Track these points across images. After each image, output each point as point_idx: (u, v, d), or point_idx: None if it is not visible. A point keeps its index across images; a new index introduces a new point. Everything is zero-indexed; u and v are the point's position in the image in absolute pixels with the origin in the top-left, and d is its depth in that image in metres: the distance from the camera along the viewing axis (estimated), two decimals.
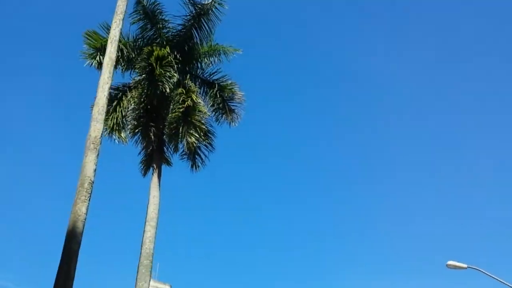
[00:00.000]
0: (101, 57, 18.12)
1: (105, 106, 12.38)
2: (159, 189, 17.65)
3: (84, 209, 10.84)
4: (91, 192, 11.21)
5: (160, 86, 17.75)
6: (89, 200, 11.11)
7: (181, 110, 17.80)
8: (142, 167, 19.14)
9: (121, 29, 14.10)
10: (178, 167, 20.00)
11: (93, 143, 11.68)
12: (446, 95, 76.73)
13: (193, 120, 18.17)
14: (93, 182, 11.32)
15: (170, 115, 17.99)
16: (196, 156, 19.67)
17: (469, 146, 75.98)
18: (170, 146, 18.98)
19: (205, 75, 20.79)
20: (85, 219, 10.80)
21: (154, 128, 18.36)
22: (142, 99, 18.27)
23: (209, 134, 19.72)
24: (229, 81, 20.26)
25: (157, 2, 19.47)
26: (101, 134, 11.99)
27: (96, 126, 11.96)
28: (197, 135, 18.14)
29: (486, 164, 75.24)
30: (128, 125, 18.60)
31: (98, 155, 11.72)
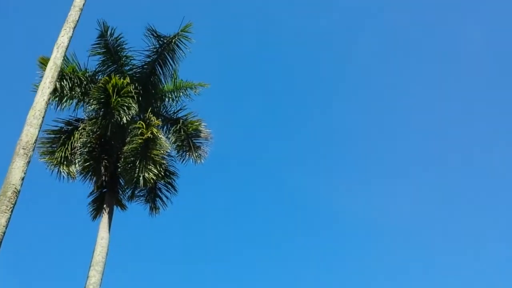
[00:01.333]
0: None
1: (43, 112, 10.67)
2: (109, 231, 15.50)
3: (3, 221, 8.82)
4: (15, 202, 9.22)
5: (116, 116, 16.02)
6: (12, 211, 9.10)
7: (140, 142, 16.00)
8: (92, 209, 17.03)
9: (70, 39, 12.58)
10: (135, 211, 17.92)
11: (23, 148, 9.87)
12: None
13: (152, 155, 16.34)
14: (18, 192, 9.37)
15: (126, 146, 16.12)
16: (156, 198, 17.74)
17: None
18: (124, 186, 16.98)
19: (169, 113, 19.27)
20: (4, 233, 8.77)
21: (106, 162, 16.42)
22: (95, 130, 16.43)
23: (170, 174, 17.92)
24: (195, 118, 18.72)
25: (120, 37, 18.14)
26: (35, 140, 10.19)
27: (30, 131, 10.18)
28: (156, 171, 16.25)
29: None
30: (78, 160, 16.61)
31: (28, 162, 9.84)
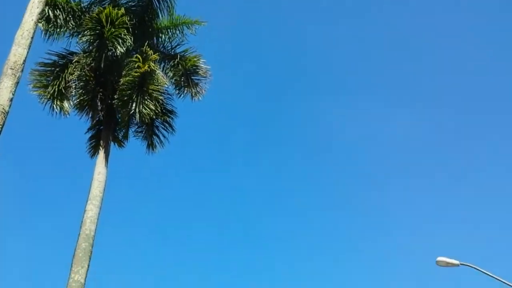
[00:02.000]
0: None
1: (32, 31, 10.03)
2: (106, 167, 15.05)
3: None
4: (3, 124, 8.72)
5: (111, 47, 15.32)
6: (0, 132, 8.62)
7: (136, 75, 15.34)
8: (89, 146, 16.57)
9: None
10: (134, 149, 17.48)
11: (11, 69, 9.31)
12: None
13: (150, 90, 15.73)
14: (7, 113, 8.87)
15: (122, 79, 15.46)
16: (154, 136, 17.25)
17: None
18: (121, 122, 16.43)
19: (166, 49, 18.52)
20: None
21: (102, 95, 15.84)
22: (89, 63, 15.76)
23: (168, 112, 17.37)
24: (193, 54, 18.01)
25: None
26: (23, 61, 9.59)
27: (18, 51, 9.59)
28: (152, 107, 15.66)
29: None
30: (73, 94, 16.02)
31: (17, 83, 9.28)
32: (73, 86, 15.82)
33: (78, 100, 15.91)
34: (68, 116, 16.08)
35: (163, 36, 18.60)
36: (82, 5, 17.24)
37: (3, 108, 8.72)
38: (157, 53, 17.46)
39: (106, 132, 15.95)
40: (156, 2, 18.20)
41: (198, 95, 17.55)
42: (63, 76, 15.75)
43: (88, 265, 12.54)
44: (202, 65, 17.81)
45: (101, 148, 15.44)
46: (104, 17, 15.24)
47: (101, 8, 15.84)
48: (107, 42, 15.20)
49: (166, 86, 16.89)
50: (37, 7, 10.40)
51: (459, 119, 48.73)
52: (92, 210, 13.57)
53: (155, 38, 18.63)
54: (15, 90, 9.12)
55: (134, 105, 15.32)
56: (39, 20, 10.89)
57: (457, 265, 17.55)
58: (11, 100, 8.98)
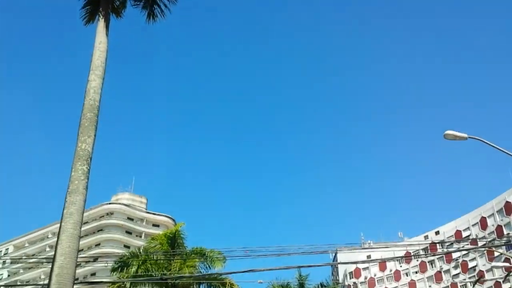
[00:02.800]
0: None
1: None
2: (107, 36, 14.40)
3: None
4: None
5: None
6: None
7: None
8: (85, 13, 15.77)
9: None
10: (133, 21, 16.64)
11: None
12: None
13: None
14: None
15: None
16: (154, 5, 16.40)
17: None
18: None
19: None
20: None
21: None
22: None
23: None
24: None
25: None
26: None
27: None
28: None
29: None
30: None
31: None
32: None
33: None
34: None
35: None
36: None
37: None
38: None
39: (104, 2, 15.10)
40: None
41: None
42: None
43: (95, 135, 12.37)
44: None
45: (100, 16, 14.70)
46: None
47: None
48: None
49: None
50: None
51: None
52: (95, 80, 13.15)
53: None
54: None
55: None
56: None
57: (465, 138, 17.55)
58: None
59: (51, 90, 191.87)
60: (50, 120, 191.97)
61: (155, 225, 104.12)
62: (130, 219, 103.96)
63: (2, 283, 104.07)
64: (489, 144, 17.09)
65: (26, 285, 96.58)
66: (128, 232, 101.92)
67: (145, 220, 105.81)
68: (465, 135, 17.35)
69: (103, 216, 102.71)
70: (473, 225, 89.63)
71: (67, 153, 12.24)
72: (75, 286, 10.60)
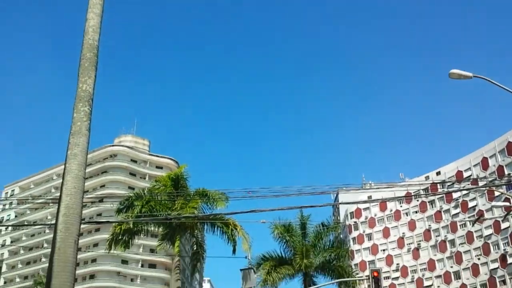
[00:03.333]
0: None
1: None
2: None
3: None
4: None
5: None
6: None
7: None
8: None
9: None
10: None
11: None
12: None
13: None
14: None
15: None
16: None
17: None
18: None
19: None
20: None
21: None
22: None
23: None
24: None
25: None
26: None
27: None
28: None
29: None
30: None
31: None
32: None
33: None
34: None
35: None
36: None
37: None
38: None
39: None
40: None
41: None
42: None
43: (95, 76, 12.17)
44: None
45: None
46: None
47: None
48: None
49: None
50: None
51: None
52: (93, 19, 12.77)
53: None
54: None
55: None
56: None
57: (470, 77, 17.32)
58: None
59: (51, 31, 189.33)
60: (51, 61, 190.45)
61: (159, 167, 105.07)
62: (134, 161, 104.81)
63: (10, 223, 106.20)
64: (494, 83, 16.88)
65: (34, 225, 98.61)
66: (132, 174, 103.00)
67: (148, 162, 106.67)
68: (470, 74, 17.10)
69: (106, 158, 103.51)
70: (474, 166, 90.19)
71: (70, 94, 12.07)
72: (81, 226, 10.71)
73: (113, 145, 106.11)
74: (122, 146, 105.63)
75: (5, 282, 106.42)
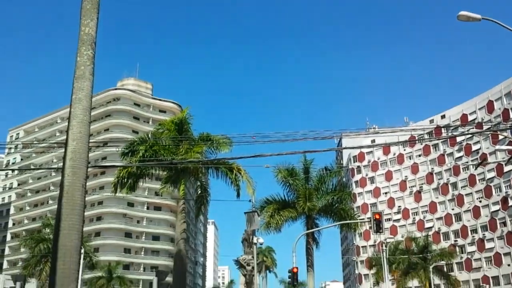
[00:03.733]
0: None
1: None
2: None
3: None
4: None
5: None
6: None
7: None
8: None
9: None
10: None
11: None
12: None
13: None
14: None
15: None
16: None
17: None
18: None
19: None
20: None
21: None
22: None
23: None
24: None
25: None
26: None
27: None
28: None
29: None
30: None
31: None
32: None
33: None
34: None
35: None
36: None
37: None
38: None
39: None
40: None
41: None
42: None
43: (97, 18, 11.92)
44: None
45: None
46: None
47: None
48: None
49: None
50: None
51: None
52: None
53: None
54: None
55: None
56: None
57: (479, 19, 16.95)
58: None
59: None
60: (55, 4, 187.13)
61: (162, 111, 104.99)
62: (137, 104, 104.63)
63: (16, 166, 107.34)
64: (503, 26, 16.53)
65: (39, 168, 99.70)
66: (136, 118, 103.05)
67: (151, 106, 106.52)
68: (479, 16, 16.71)
69: (109, 101, 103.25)
70: (479, 109, 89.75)
71: (74, 38, 11.76)
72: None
73: (116, 89, 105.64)
74: (125, 89, 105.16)
75: (13, 224, 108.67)
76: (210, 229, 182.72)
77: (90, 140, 11.05)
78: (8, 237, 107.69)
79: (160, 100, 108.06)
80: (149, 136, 28.59)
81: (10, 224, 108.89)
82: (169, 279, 28.90)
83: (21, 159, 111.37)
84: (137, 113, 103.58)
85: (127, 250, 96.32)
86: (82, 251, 32.98)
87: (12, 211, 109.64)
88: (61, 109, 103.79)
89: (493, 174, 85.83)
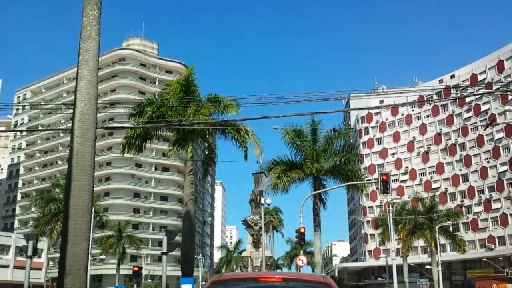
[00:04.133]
0: None
1: None
2: None
3: None
4: None
5: None
6: None
7: None
8: None
9: None
10: None
11: None
12: None
13: None
14: None
15: None
16: None
17: None
18: None
19: None
20: None
21: None
22: None
23: None
24: None
25: None
26: None
27: None
28: None
29: None
30: None
31: None
32: None
33: None
34: None
35: None
36: None
37: None
38: None
39: None
40: None
41: None
42: None
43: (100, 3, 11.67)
44: None
45: None
46: None
47: None
48: None
49: None
50: None
51: None
52: None
53: None
54: None
55: None
56: None
57: None
58: None
59: None
60: None
61: (168, 72, 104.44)
62: (143, 65, 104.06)
63: (24, 127, 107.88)
64: None
65: (48, 129, 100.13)
66: (142, 79, 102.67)
67: (158, 66, 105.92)
68: None
69: (115, 62, 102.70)
70: (489, 69, 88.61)
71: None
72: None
73: (121, 49, 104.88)
74: (131, 49, 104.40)
75: (23, 184, 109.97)
76: (218, 189, 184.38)
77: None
78: (19, 197, 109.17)
79: (166, 60, 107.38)
80: (156, 97, 28.45)
81: (20, 184, 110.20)
82: (178, 238, 29.27)
83: (29, 120, 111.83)
84: (143, 74, 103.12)
85: (136, 210, 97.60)
86: (92, 210, 33.40)
87: (21, 171, 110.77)
88: (67, 69, 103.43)
89: (501, 134, 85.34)
